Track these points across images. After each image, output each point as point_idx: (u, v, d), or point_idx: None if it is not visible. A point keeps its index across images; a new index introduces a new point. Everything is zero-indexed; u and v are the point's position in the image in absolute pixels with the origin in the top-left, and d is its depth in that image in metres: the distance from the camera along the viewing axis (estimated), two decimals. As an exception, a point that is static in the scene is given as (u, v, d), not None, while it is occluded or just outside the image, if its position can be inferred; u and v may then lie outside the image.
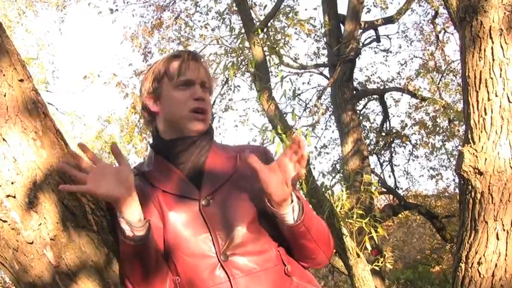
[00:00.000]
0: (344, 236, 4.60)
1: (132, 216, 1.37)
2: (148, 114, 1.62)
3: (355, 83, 9.55)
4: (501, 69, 2.11)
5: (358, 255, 4.67)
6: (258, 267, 1.43)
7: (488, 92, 2.12)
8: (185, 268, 1.43)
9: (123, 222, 1.37)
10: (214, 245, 1.43)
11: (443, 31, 10.65)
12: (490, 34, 2.14)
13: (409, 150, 11.17)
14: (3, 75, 1.41)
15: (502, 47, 2.12)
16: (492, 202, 2.06)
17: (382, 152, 10.52)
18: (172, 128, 1.56)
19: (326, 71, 9.49)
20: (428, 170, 12.08)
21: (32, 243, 1.39)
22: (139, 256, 1.39)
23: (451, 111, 9.09)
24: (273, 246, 1.49)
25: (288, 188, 1.40)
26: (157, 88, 1.58)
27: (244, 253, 1.44)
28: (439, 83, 10.65)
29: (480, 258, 2.09)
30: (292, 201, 1.44)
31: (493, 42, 2.13)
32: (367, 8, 10.38)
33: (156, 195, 1.49)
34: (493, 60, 2.12)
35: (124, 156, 1.42)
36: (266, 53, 5.49)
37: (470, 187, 2.12)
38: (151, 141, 1.65)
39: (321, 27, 8.77)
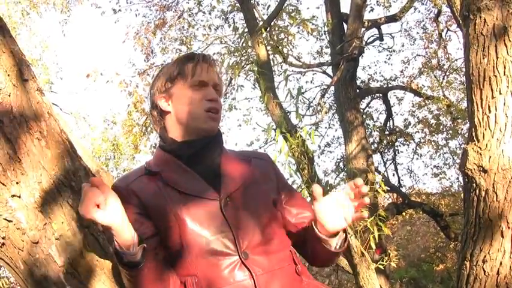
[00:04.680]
0: (348, 235, 4.60)
1: (126, 243, 1.34)
2: (158, 113, 1.62)
3: (358, 82, 9.52)
4: (505, 67, 2.11)
5: (363, 254, 4.67)
6: (276, 265, 1.47)
7: (492, 90, 2.12)
8: (204, 267, 1.43)
9: (120, 251, 1.35)
10: (235, 243, 1.44)
11: (446, 29, 10.62)
12: (494, 32, 2.13)
13: (413, 149, 11.17)
14: (8, 75, 1.42)
15: (505, 44, 2.11)
16: (497, 200, 2.06)
17: (386, 150, 10.50)
18: (183, 128, 1.56)
19: (329, 70, 9.48)
20: (432, 169, 12.08)
21: (37, 243, 1.39)
22: (139, 276, 1.38)
23: (455, 109, 9.07)
24: (286, 247, 1.55)
25: (345, 223, 1.48)
26: (170, 88, 1.59)
27: (263, 252, 1.47)
28: (442, 82, 10.63)
29: (485, 256, 2.08)
30: (342, 232, 1.54)
31: (496, 40, 2.13)
32: (370, 7, 10.39)
33: (170, 196, 1.48)
34: (497, 58, 2.12)
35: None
36: (269, 52, 5.49)
37: (474, 185, 2.12)
38: (159, 141, 1.64)
39: (324, 26, 8.77)
